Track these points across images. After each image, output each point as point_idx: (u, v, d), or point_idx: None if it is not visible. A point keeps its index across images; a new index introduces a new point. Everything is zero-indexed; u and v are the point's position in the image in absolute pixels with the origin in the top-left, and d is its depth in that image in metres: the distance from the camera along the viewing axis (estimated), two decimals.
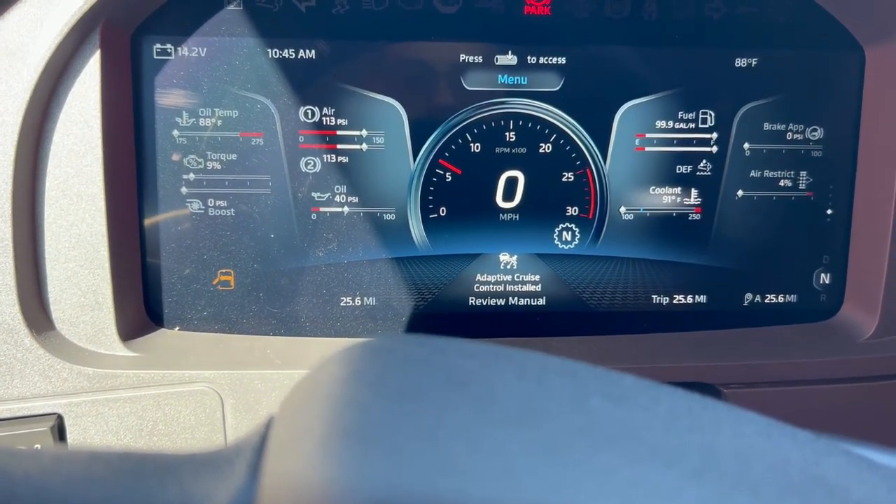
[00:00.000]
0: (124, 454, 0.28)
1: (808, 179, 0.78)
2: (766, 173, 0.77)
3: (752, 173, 0.77)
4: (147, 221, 0.72)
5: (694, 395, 0.33)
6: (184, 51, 0.70)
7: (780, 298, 0.80)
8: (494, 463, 0.23)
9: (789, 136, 0.77)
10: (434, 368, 0.30)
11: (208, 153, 0.72)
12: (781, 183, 0.77)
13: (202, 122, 0.71)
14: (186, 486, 0.25)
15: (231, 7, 0.70)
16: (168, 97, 0.71)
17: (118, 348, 0.69)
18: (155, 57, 0.70)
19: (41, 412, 0.66)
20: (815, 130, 0.77)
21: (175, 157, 0.72)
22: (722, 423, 0.31)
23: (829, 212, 0.78)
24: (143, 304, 0.73)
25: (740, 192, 0.77)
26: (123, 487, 0.25)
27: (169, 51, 0.70)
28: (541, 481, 0.22)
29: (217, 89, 0.71)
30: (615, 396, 0.31)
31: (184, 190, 0.72)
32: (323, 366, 0.34)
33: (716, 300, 0.79)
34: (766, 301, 0.79)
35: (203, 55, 0.71)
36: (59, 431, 0.67)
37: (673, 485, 0.24)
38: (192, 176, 0.72)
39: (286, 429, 0.29)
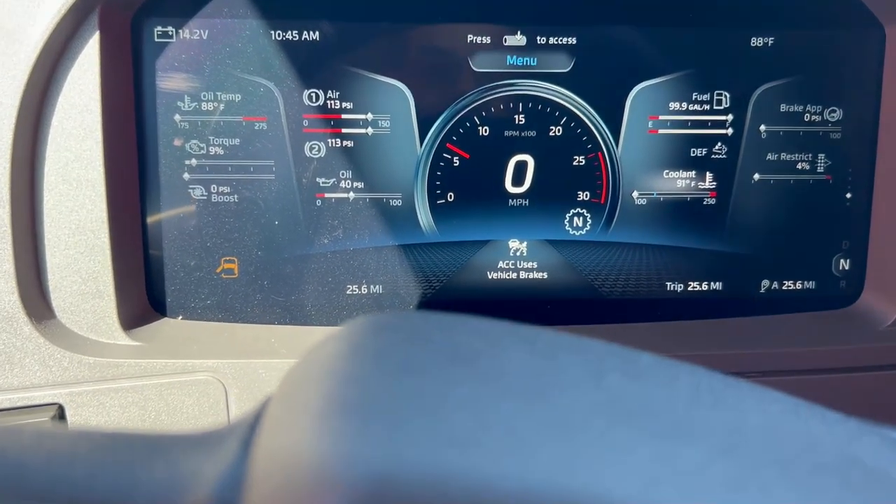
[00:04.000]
0: (111, 433, 0.26)
1: (826, 162, 0.75)
2: (783, 156, 0.75)
3: (769, 156, 0.75)
4: (149, 208, 0.71)
5: (715, 372, 0.31)
6: (185, 33, 0.69)
7: (798, 285, 0.77)
8: (503, 437, 0.21)
9: (807, 117, 0.74)
10: (439, 344, 0.29)
11: (211, 138, 0.70)
12: (799, 166, 0.75)
13: (204, 106, 0.70)
14: (174, 464, 0.24)
15: None
16: (169, 81, 0.69)
17: (120, 337, 0.67)
18: (156, 39, 0.69)
19: (42, 402, 0.65)
20: (833, 112, 0.75)
21: (177, 143, 0.70)
22: (747, 400, 0.29)
23: (848, 196, 0.76)
24: (145, 292, 0.72)
25: (756, 176, 0.75)
26: (107, 465, 0.23)
27: (170, 33, 0.69)
28: (554, 456, 0.20)
29: (219, 72, 0.69)
30: (633, 373, 0.29)
31: (186, 176, 0.71)
32: (323, 342, 0.32)
33: (732, 287, 0.77)
34: (783, 288, 0.77)
35: (205, 38, 0.69)
36: (60, 421, 0.65)
37: (698, 461, 0.22)
38: (194, 161, 0.71)
39: (282, 405, 0.27)
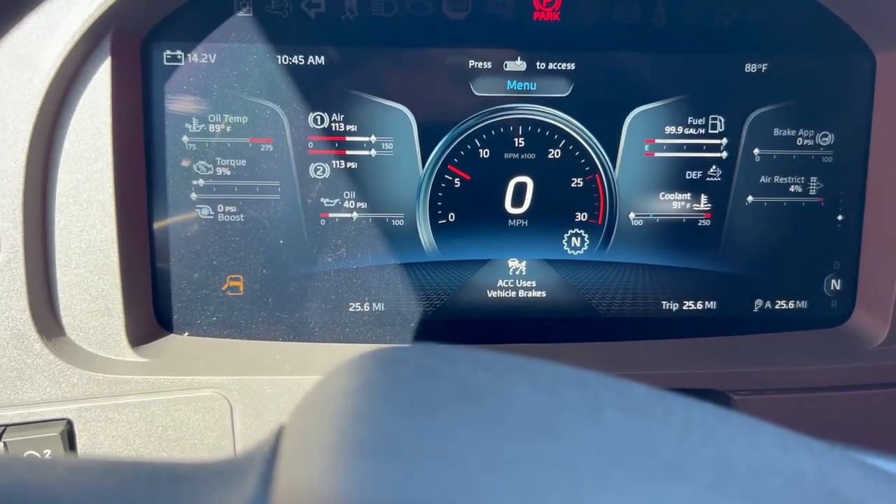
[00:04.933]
0: (137, 464, 0.27)
1: (818, 185, 0.77)
2: (777, 179, 0.77)
3: (763, 179, 0.77)
4: (156, 227, 0.73)
5: (708, 405, 0.32)
6: (193, 57, 0.71)
7: (791, 304, 0.79)
8: (510, 479, 0.23)
9: (800, 141, 0.76)
10: (447, 380, 0.30)
11: (218, 159, 0.72)
12: (792, 189, 0.77)
13: (212, 128, 0.72)
14: (199, 496, 0.25)
15: (241, 14, 0.70)
16: (178, 103, 0.71)
17: (128, 354, 0.69)
18: (165, 63, 0.71)
19: (51, 417, 0.66)
20: (825, 136, 0.77)
21: (185, 163, 0.72)
22: (737, 434, 0.30)
23: (839, 217, 0.78)
24: (152, 309, 0.73)
25: (750, 198, 0.77)
26: (137, 497, 0.25)
27: (179, 57, 0.70)
28: (557, 498, 0.22)
29: (226, 95, 0.71)
30: (628, 408, 0.31)
31: (193, 196, 0.72)
32: (333, 375, 0.33)
33: (726, 306, 0.79)
34: (776, 307, 0.79)
35: (213, 61, 0.71)
36: (69, 437, 0.67)
37: (688, 499, 0.23)
38: (201, 182, 0.72)
39: (297, 439, 0.29)
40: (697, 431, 0.30)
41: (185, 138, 0.71)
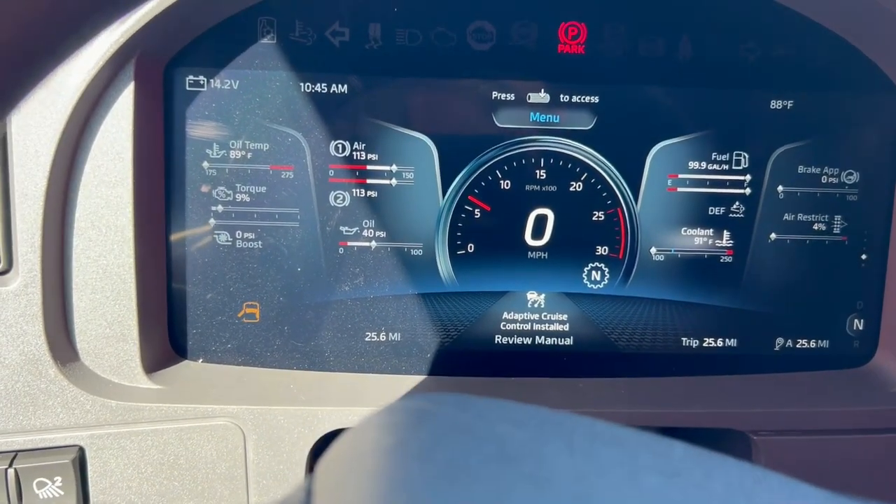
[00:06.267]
0: None
1: (842, 224, 0.76)
2: (800, 216, 0.76)
3: (786, 216, 0.76)
4: (174, 252, 0.72)
5: (746, 465, 0.32)
6: (216, 83, 0.70)
7: (813, 344, 0.78)
8: None
9: (824, 179, 0.76)
10: (482, 439, 0.29)
11: (237, 185, 0.72)
12: (815, 227, 0.76)
13: (233, 154, 0.71)
14: None
15: (265, 41, 0.70)
16: (199, 128, 0.71)
17: (142, 381, 0.68)
18: (187, 88, 0.70)
19: (63, 444, 0.65)
20: (850, 174, 0.76)
21: (204, 189, 0.71)
22: (776, 498, 0.30)
23: (863, 257, 0.77)
24: (167, 336, 0.73)
25: (773, 235, 0.76)
26: None
27: (202, 82, 0.70)
28: None
29: (248, 122, 0.71)
30: (668, 471, 0.30)
31: (212, 221, 0.72)
32: (364, 427, 0.33)
33: (746, 344, 0.77)
34: (797, 346, 0.78)
35: (235, 88, 0.71)
36: (81, 464, 0.66)
37: None
38: (220, 208, 0.72)
39: (331, 499, 0.28)
40: (738, 498, 0.29)
41: (205, 164, 0.71)
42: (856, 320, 0.78)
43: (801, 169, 0.75)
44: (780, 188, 0.75)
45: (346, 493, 0.27)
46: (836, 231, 0.76)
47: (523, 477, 0.26)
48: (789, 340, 0.78)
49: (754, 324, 0.77)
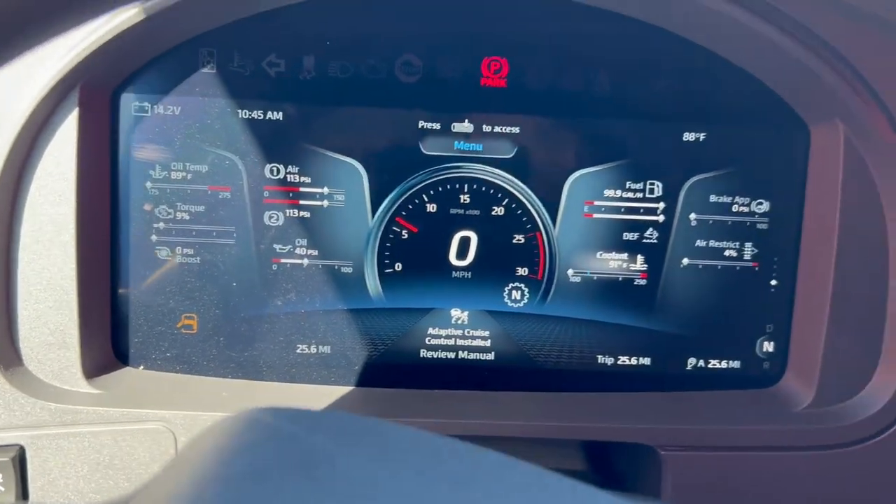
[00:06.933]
0: None
1: (753, 250, 0.80)
2: (712, 243, 0.80)
3: (698, 243, 0.80)
4: (120, 266, 0.77)
5: (547, 475, 0.35)
6: (160, 108, 0.75)
7: (724, 364, 0.82)
8: None
9: (735, 208, 0.80)
10: (295, 447, 0.34)
11: (178, 204, 0.77)
12: (727, 253, 0.80)
13: (174, 175, 0.76)
14: None
15: (205, 70, 0.75)
16: (143, 151, 0.76)
17: (82, 385, 0.73)
18: (133, 113, 0.75)
19: (4, 443, 0.70)
20: (760, 204, 0.80)
21: (147, 207, 0.76)
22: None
23: (773, 282, 0.81)
24: (110, 343, 0.77)
25: (686, 261, 0.80)
26: None
27: (146, 108, 0.75)
28: None
29: (189, 145, 0.76)
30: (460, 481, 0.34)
31: (154, 238, 0.77)
32: (210, 431, 0.37)
33: (660, 363, 0.82)
34: (709, 366, 0.82)
35: (177, 113, 0.75)
36: (21, 462, 0.71)
37: None
38: (161, 225, 0.77)
39: (151, 492, 0.33)
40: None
41: (148, 184, 0.76)
42: (765, 343, 0.82)
43: (713, 198, 0.80)
44: (692, 216, 0.80)
45: (162, 484, 0.31)
46: (747, 258, 0.81)
47: (307, 480, 0.31)
48: (701, 360, 0.82)
49: (667, 344, 0.81)
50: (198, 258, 0.77)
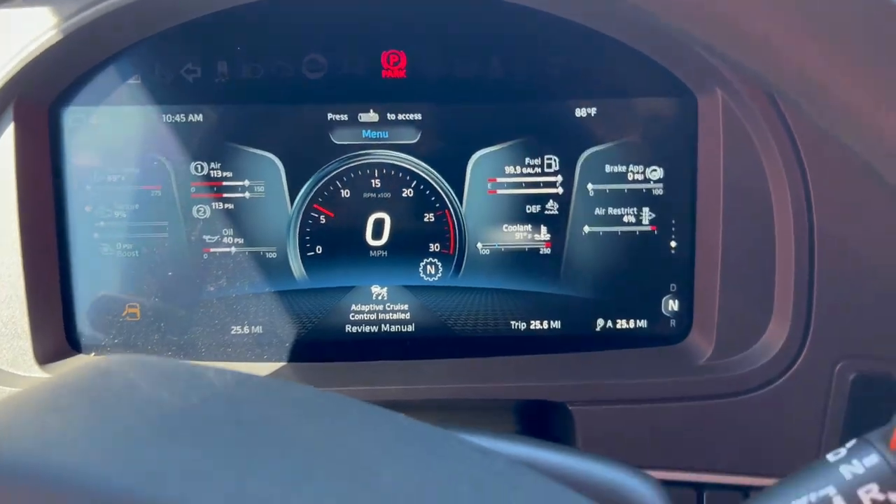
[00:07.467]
0: None
1: (650, 215, 0.85)
2: (611, 211, 0.85)
3: (597, 211, 0.85)
4: (67, 263, 0.85)
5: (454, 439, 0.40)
6: (94, 118, 0.83)
7: (631, 324, 0.87)
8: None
9: (630, 176, 0.85)
10: (127, 389, 0.40)
11: (115, 204, 0.84)
12: (626, 219, 0.85)
13: (109, 178, 0.84)
14: None
15: (131, 81, 0.83)
16: (81, 157, 0.84)
17: (35, 371, 0.81)
18: (70, 124, 0.83)
19: None
20: (654, 171, 0.85)
21: (88, 209, 0.84)
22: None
23: (672, 244, 0.86)
24: (63, 333, 0.86)
25: (587, 229, 0.85)
26: None
27: (82, 118, 0.83)
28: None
29: (121, 150, 0.84)
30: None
31: (96, 235, 0.85)
32: (69, 373, 0.44)
33: (569, 326, 0.87)
34: (617, 326, 0.87)
35: (109, 121, 0.83)
36: None
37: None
38: (102, 223, 0.85)
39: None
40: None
41: (88, 187, 0.84)
42: (671, 301, 0.87)
43: (608, 168, 0.85)
44: (589, 186, 0.85)
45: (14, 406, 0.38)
46: (645, 222, 0.85)
47: (117, 412, 0.37)
48: (609, 321, 0.87)
49: (576, 307, 0.87)
50: (136, 252, 0.85)
